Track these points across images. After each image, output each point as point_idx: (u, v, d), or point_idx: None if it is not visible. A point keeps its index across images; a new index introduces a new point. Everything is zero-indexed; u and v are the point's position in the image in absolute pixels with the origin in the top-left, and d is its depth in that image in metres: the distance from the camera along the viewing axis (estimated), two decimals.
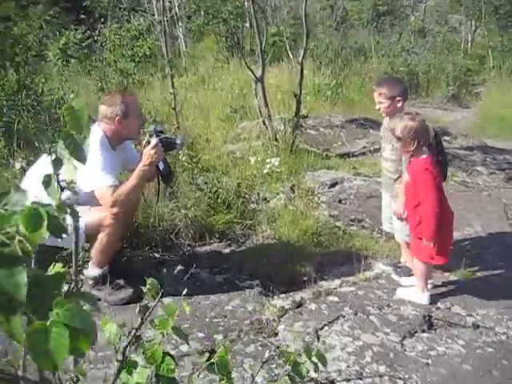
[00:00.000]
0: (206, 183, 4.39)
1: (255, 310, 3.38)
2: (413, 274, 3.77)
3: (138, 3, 18.02)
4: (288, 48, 12.25)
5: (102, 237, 3.14)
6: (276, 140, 5.69)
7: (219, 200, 4.34)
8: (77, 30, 14.38)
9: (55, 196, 1.11)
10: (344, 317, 3.30)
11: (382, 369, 2.82)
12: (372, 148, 6.39)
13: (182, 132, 5.69)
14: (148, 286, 1.68)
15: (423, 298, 3.50)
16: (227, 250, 4.15)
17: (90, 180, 2.91)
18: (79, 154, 1.14)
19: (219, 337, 3.06)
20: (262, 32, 5.56)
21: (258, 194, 4.74)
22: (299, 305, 3.44)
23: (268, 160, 4.77)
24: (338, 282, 3.77)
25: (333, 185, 5.21)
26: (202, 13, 16.51)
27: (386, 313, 3.38)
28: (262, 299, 3.48)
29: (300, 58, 5.70)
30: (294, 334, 3.09)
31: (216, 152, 5.67)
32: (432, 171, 3.20)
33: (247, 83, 10.59)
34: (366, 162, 5.95)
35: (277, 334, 3.12)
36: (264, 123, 5.70)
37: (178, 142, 3.27)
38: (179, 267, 3.85)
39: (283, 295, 3.55)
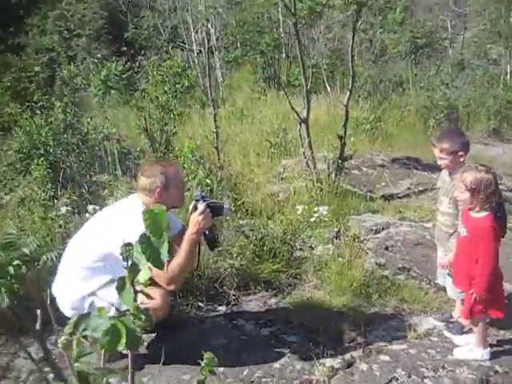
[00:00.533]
0: (251, 230, 4.34)
1: (304, 368, 3.27)
2: (466, 332, 3.64)
3: (177, 34, 18.42)
4: (326, 80, 12.29)
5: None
6: (319, 181, 5.62)
7: (265, 248, 4.28)
8: (118, 61, 14.69)
9: (129, 302, 1.07)
10: (397, 379, 3.17)
11: None
12: (416, 190, 6.26)
13: (224, 172, 5.70)
14: (205, 360, 1.62)
15: (484, 354, 3.35)
16: (273, 300, 4.07)
17: None
18: (156, 259, 1.10)
19: None
20: (307, 72, 5.53)
21: (304, 241, 4.67)
22: (349, 364, 3.32)
23: (316, 209, 4.70)
24: (388, 338, 3.64)
25: (378, 230, 5.10)
26: (239, 44, 16.77)
27: (440, 375, 3.23)
28: (310, 356, 3.38)
29: (346, 100, 5.66)
30: None
31: (259, 193, 5.63)
32: (496, 229, 3.10)
33: (285, 116, 10.65)
34: (410, 204, 5.81)
35: None
36: (308, 165, 5.64)
37: (225, 206, 3.18)
38: (224, 319, 3.80)
39: (332, 352, 3.44)
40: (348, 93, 5.64)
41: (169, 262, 2.92)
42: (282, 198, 5.62)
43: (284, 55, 15.97)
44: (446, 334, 3.72)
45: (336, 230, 4.96)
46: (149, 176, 3.11)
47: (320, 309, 3.90)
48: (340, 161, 5.65)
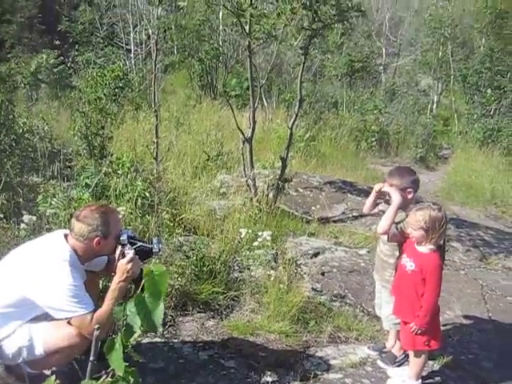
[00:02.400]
0: (192, 249, 4.27)
1: None
2: (399, 363, 3.77)
3: (113, 32, 17.97)
4: (262, 95, 12.40)
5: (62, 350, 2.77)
6: (258, 201, 5.64)
7: (205, 268, 4.22)
8: (50, 54, 14.12)
9: (119, 365, 1.02)
10: None
11: None
12: (351, 215, 6.43)
13: (163, 184, 5.60)
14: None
15: None
16: (210, 323, 4.02)
17: (61, 308, 2.66)
18: (150, 323, 1.05)
19: None
20: (255, 91, 5.53)
21: (242, 263, 4.65)
22: None
23: (260, 233, 4.70)
24: (324, 366, 3.68)
25: (315, 255, 5.18)
26: (177, 49, 16.59)
27: None
28: (249, 383, 3.36)
29: (291, 123, 5.73)
30: None
31: (198, 208, 5.57)
32: (442, 266, 3.23)
33: (220, 126, 10.64)
34: (345, 229, 5.96)
35: None
36: (248, 184, 5.65)
37: (154, 249, 2.96)
38: (161, 339, 3.71)
39: (270, 379, 3.44)
40: (294, 116, 5.71)
41: (94, 311, 2.73)
42: (220, 215, 5.59)
43: (222, 65, 15.99)
44: (380, 364, 3.81)
45: (273, 252, 4.98)
46: (89, 224, 2.81)
47: (258, 334, 3.90)
48: (280, 182, 5.69)
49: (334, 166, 10.12)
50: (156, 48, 5.59)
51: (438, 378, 3.68)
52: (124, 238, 2.90)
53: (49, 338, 2.72)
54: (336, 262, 5.12)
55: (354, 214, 6.48)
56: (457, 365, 3.85)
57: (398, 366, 3.79)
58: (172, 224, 4.85)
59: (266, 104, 12.13)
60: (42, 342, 2.71)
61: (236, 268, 4.62)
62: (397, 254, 3.57)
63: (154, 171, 5.82)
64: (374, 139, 11.46)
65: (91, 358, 1.31)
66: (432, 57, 15.08)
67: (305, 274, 4.81)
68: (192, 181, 6.53)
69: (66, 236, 2.88)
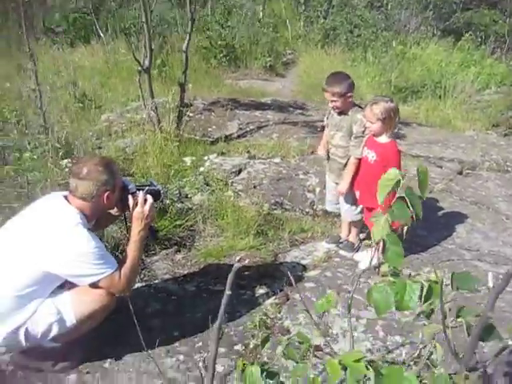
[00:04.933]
0: None
1: (252, 311, 3.38)
2: (357, 248, 4.16)
3: None
4: (97, 26, 11.62)
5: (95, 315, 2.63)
6: (163, 132, 5.50)
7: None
8: None
9: None
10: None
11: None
12: (248, 128, 6.56)
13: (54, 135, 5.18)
14: None
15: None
16: (180, 256, 4.00)
17: (89, 273, 2.49)
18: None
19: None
20: (149, 18, 5.17)
21: (179, 192, 4.60)
22: (288, 298, 3.53)
23: (206, 157, 4.63)
24: (300, 267, 3.94)
25: (238, 172, 5.28)
26: None
27: (362, 288, 3.64)
28: (251, 299, 3.50)
29: (185, 46, 5.53)
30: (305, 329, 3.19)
31: (105, 152, 5.30)
32: (400, 152, 3.57)
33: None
34: (250, 143, 6.08)
35: (289, 331, 3.20)
36: (150, 116, 5.44)
37: (160, 188, 2.90)
38: (142, 284, 3.63)
39: (262, 290, 3.60)
40: (187, 36, 5.51)
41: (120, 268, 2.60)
42: (129, 152, 5.38)
43: None
44: (342, 253, 4.18)
45: (201, 176, 4.97)
46: (97, 179, 2.58)
47: (230, 254, 3.98)
48: (181, 108, 5.58)
49: (194, 87, 10.02)
50: None
51: None
52: (132, 186, 2.76)
53: (80, 306, 2.53)
54: (261, 173, 5.28)
55: (251, 127, 6.62)
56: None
57: (357, 250, 4.19)
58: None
59: (102, 35, 11.39)
60: (73, 312, 2.52)
61: (175, 199, 4.55)
62: (349, 154, 3.83)
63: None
64: (222, 55, 11.44)
65: (228, 293, 1.33)
66: None
67: (239, 191, 4.91)
68: (79, 124, 6.08)
69: (65, 198, 2.63)
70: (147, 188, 2.78)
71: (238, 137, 6.34)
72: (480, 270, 3.99)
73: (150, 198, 2.72)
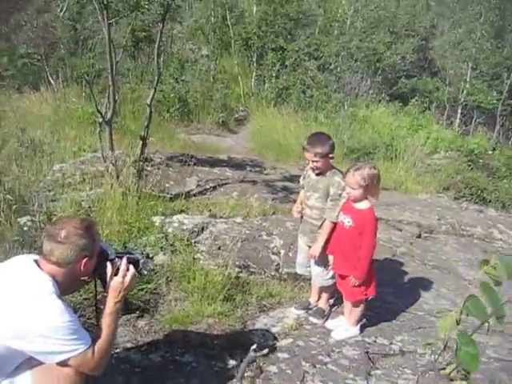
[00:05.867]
0: None
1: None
2: (328, 315, 4.02)
3: None
4: (48, 73, 11.39)
5: None
6: (122, 186, 5.27)
7: None
8: None
9: None
10: (308, 372, 3.31)
11: None
12: (208, 186, 6.42)
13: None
14: None
15: (357, 330, 3.81)
16: (142, 322, 3.73)
17: (59, 351, 2.19)
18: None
19: None
20: (114, 67, 5.01)
21: (142, 252, 4.35)
22: (261, 371, 3.31)
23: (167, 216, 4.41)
24: (270, 336, 3.75)
25: (199, 231, 5.09)
26: None
27: (335, 358, 3.49)
28: (221, 370, 3.26)
29: (149, 100, 5.40)
30: None
31: (60, 205, 5.01)
32: (377, 220, 3.50)
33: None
34: (210, 201, 5.94)
35: None
36: (108, 169, 5.22)
37: (139, 258, 2.61)
38: None
39: (233, 361, 3.37)
40: (152, 90, 5.38)
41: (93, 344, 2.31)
42: (86, 206, 5.10)
43: None
44: (313, 320, 4.02)
45: (161, 236, 4.75)
46: (76, 244, 2.31)
47: (197, 321, 3.75)
48: (142, 162, 5.39)
49: (148, 141, 9.87)
50: None
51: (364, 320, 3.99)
52: (111, 251, 2.51)
53: None
54: (224, 234, 5.10)
55: (210, 184, 6.49)
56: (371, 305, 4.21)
57: (327, 318, 4.05)
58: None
59: (53, 83, 11.14)
60: None
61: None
62: (324, 216, 3.75)
63: None
64: (174, 108, 11.41)
65: None
66: (203, 24, 15.41)
67: (203, 252, 4.71)
68: (28, 175, 5.75)
69: (36, 262, 2.35)
70: (127, 256, 2.54)
71: (198, 194, 6.19)
72: None
73: (132, 269, 2.49)
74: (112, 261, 2.48)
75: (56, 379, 2.26)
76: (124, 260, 2.46)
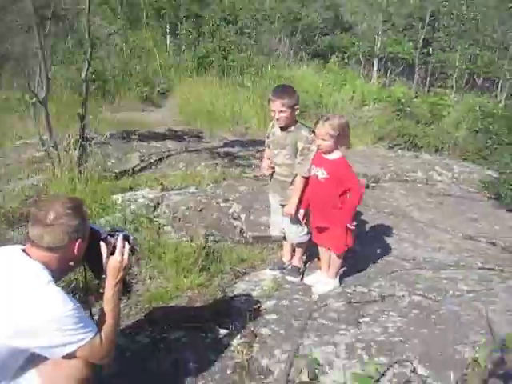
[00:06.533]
0: None
1: (222, 357, 3.06)
2: (302, 271, 4.02)
3: None
4: None
5: None
6: (67, 169, 4.99)
7: None
8: None
9: None
10: (301, 330, 3.29)
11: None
12: (152, 160, 6.20)
13: None
14: None
15: (337, 282, 3.82)
16: (120, 306, 3.53)
17: (66, 342, 2.03)
18: None
19: None
20: (43, 42, 4.63)
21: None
22: (254, 335, 3.26)
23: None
24: (253, 300, 3.68)
25: (155, 206, 4.92)
26: None
27: (324, 312, 3.49)
28: (213, 343, 3.18)
29: (83, 74, 5.06)
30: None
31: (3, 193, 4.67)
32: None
33: None
34: (158, 175, 5.74)
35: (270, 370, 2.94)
36: (48, 153, 4.89)
37: (130, 235, 2.41)
38: None
39: (223, 331, 3.30)
40: (86, 64, 5.04)
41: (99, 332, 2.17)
42: (31, 194, 4.79)
43: None
44: (290, 278, 4.00)
45: (120, 214, 4.54)
46: (68, 225, 2.10)
47: (178, 296, 3.63)
48: (83, 142, 5.10)
49: (70, 121, 9.38)
50: None
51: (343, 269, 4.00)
52: (103, 231, 2.33)
53: None
54: (181, 205, 4.95)
55: (154, 158, 6.27)
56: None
57: (303, 274, 4.05)
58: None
59: None
60: None
61: None
62: (294, 172, 3.68)
63: None
64: (94, 87, 10.87)
65: None
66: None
67: (164, 225, 4.56)
68: None
69: (24, 251, 2.13)
70: (122, 233, 2.35)
71: (143, 169, 5.96)
72: (422, 277, 4.03)
73: (127, 245, 2.32)
74: (105, 240, 2.30)
75: (64, 374, 2.09)
76: (120, 237, 2.30)
